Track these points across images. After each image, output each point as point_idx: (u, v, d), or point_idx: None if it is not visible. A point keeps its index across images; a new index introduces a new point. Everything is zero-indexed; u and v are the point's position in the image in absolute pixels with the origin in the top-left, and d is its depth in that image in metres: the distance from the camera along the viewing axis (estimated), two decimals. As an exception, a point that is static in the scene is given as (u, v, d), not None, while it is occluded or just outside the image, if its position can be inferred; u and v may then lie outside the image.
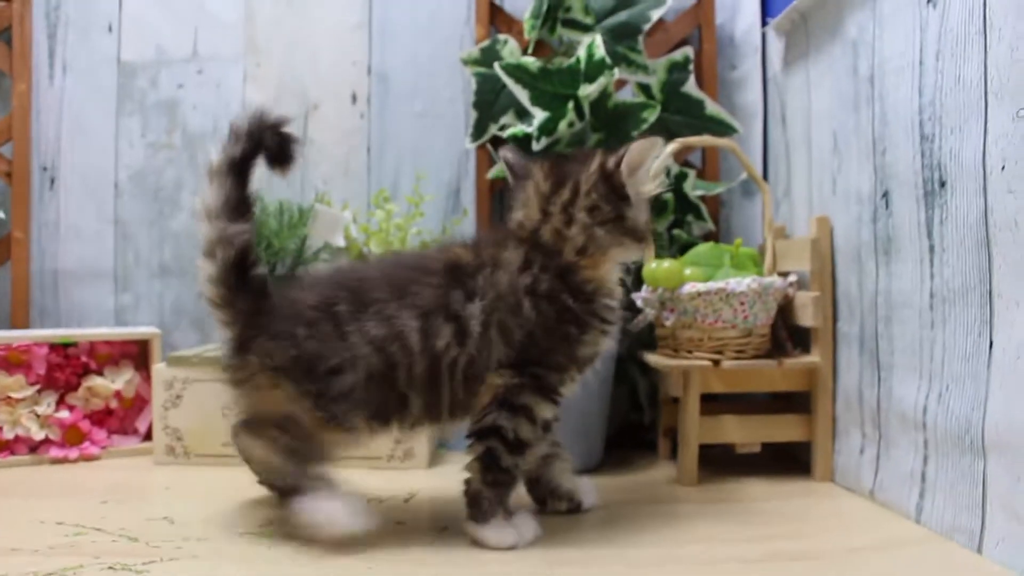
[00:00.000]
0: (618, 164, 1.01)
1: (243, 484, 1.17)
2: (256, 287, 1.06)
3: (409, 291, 1.00)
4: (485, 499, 0.99)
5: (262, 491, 1.23)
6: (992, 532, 0.90)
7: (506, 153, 1.12)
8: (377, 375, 0.99)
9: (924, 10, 1.01)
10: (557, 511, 1.13)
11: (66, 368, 1.51)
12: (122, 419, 1.55)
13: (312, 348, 0.99)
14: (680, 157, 1.54)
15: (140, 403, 1.55)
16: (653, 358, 1.32)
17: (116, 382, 1.53)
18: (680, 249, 1.45)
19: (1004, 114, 0.86)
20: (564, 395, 1.05)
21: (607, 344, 1.06)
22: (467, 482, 1.01)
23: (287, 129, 1.07)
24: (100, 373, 1.53)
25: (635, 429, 1.55)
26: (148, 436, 1.52)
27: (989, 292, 0.90)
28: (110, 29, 1.73)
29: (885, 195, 1.11)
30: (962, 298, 0.94)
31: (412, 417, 1.03)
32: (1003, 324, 0.88)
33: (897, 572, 0.89)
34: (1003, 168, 0.87)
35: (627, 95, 1.51)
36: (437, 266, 1.03)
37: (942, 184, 0.98)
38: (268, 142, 1.06)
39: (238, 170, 1.04)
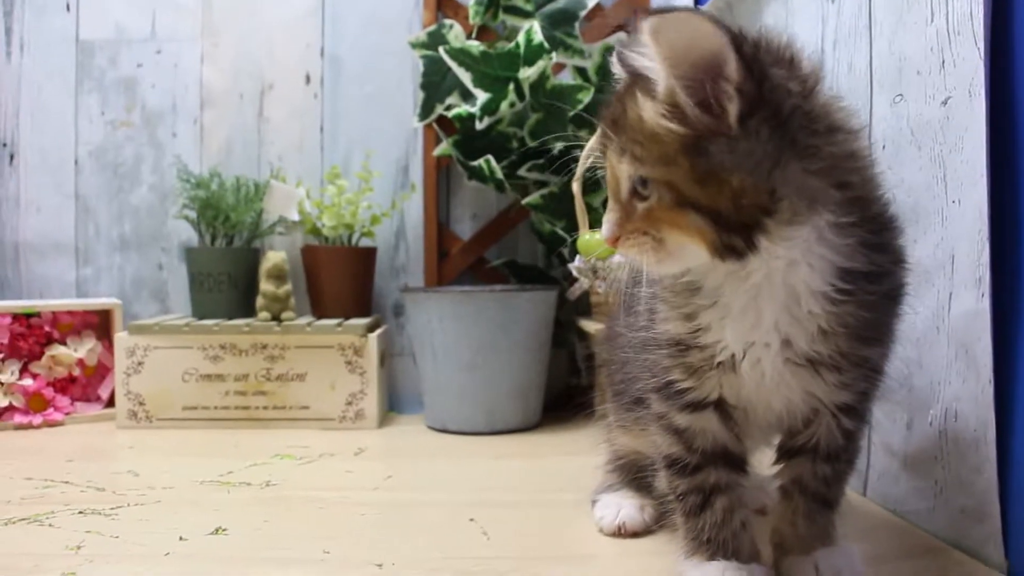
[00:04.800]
0: None
1: (204, 444, 1.24)
2: None
3: None
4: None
5: (223, 449, 1.31)
6: (875, 469, 1.01)
7: None
8: None
9: (825, 4, 1.12)
10: None
11: (29, 338, 1.57)
12: (85, 387, 1.62)
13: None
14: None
15: (102, 371, 1.62)
16: (588, 324, 1.42)
17: (79, 351, 1.59)
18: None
19: (884, 100, 0.97)
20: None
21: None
22: None
23: None
24: (63, 343, 1.59)
25: (574, 392, 1.64)
26: (110, 403, 1.59)
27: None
28: (68, 8, 1.77)
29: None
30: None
31: None
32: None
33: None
34: (884, 147, 0.97)
35: (567, 78, 1.60)
36: None
37: (838, 162, 1.09)
38: None
39: None
